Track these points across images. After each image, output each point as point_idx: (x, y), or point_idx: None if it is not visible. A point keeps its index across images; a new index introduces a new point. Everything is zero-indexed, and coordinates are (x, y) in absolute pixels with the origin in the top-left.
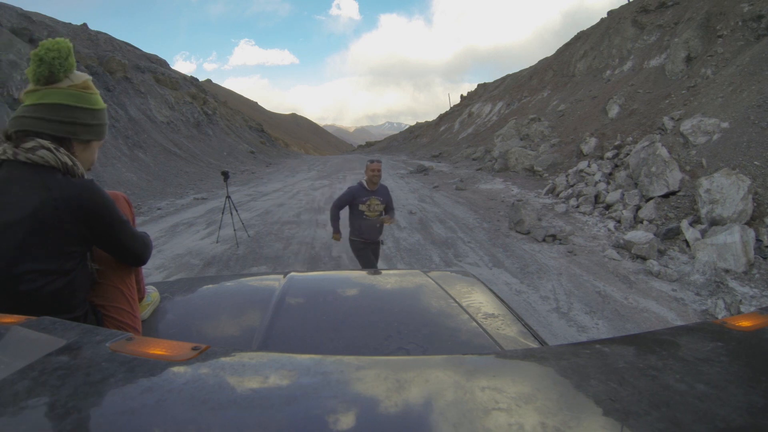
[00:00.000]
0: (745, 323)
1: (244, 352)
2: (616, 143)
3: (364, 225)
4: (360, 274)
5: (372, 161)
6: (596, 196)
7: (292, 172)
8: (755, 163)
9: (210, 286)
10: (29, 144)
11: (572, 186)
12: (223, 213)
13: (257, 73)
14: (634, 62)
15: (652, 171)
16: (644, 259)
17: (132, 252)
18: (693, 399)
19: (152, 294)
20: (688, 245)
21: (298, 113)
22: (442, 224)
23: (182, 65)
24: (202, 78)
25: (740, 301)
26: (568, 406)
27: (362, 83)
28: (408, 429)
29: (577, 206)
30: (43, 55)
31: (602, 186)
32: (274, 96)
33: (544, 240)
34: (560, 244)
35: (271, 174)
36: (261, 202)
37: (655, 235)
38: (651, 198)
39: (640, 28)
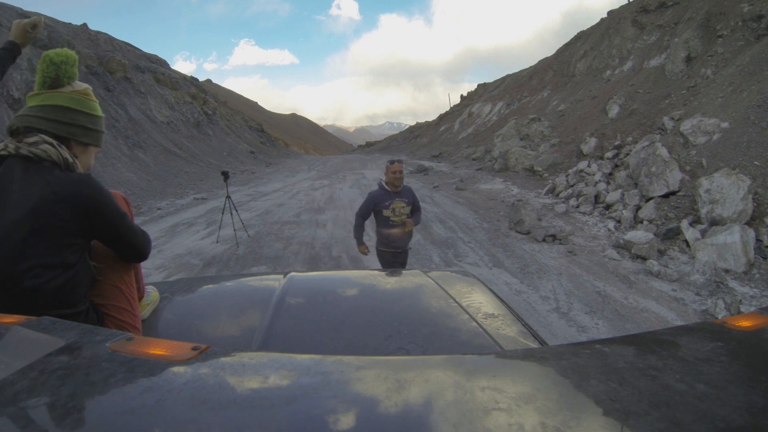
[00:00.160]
0: (745, 323)
1: (244, 352)
2: (616, 143)
3: (392, 233)
4: (360, 274)
5: (392, 162)
6: (596, 196)
7: (292, 172)
8: (755, 163)
9: (210, 286)
10: (32, 139)
11: (572, 186)
12: (223, 213)
13: (257, 73)
14: (634, 62)
15: (652, 171)
16: (644, 259)
17: (132, 246)
18: (693, 399)
19: (152, 294)
20: (688, 245)
21: (298, 113)
22: (442, 224)
23: (182, 65)
24: (202, 78)
25: (740, 301)
26: (568, 406)
27: (362, 83)
28: (408, 429)
29: (577, 206)
30: (53, 57)
31: (602, 186)
32: (274, 96)
33: (544, 240)
34: (560, 244)
35: (271, 174)
36: (261, 202)
37: (655, 235)
38: (651, 198)
39: (640, 28)
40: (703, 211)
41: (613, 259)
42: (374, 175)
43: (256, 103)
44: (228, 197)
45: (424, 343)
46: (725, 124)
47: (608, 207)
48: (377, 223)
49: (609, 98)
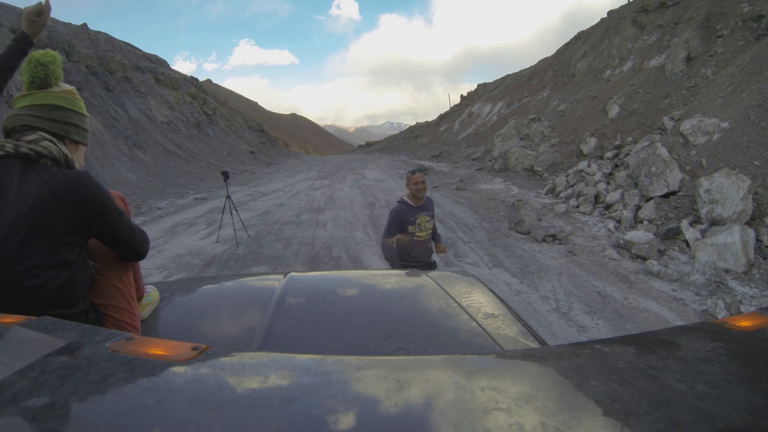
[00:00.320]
0: (745, 323)
1: (244, 352)
2: (616, 143)
3: (416, 248)
4: (360, 274)
5: (413, 172)
6: (596, 196)
7: (292, 172)
8: (755, 163)
9: (210, 286)
10: (31, 137)
11: (572, 186)
12: (223, 213)
13: (257, 73)
14: (634, 62)
15: (652, 171)
16: (644, 259)
17: (130, 244)
18: (693, 399)
19: (152, 294)
20: (688, 245)
21: (298, 113)
22: (442, 224)
23: (182, 65)
24: (202, 78)
25: (740, 301)
26: (568, 406)
27: (362, 83)
28: (408, 429)
29: (577, 206)
30: (40, 58)
31: (602, 186)
32: (274, 96)
33: (544, 240)
34: (560, 244)
35: (271, 174)
36: (261, 202)
37: (655, 235)
38: (651, 198)
39: (640, 28)
40: (703, 211)
41: (613, 259)
42: (374, 175)
43: (256, 103)
44: (228, 197)
45: (424, 343)
46: (725, 124)
47: (608, 207)
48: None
49: (609, 98)
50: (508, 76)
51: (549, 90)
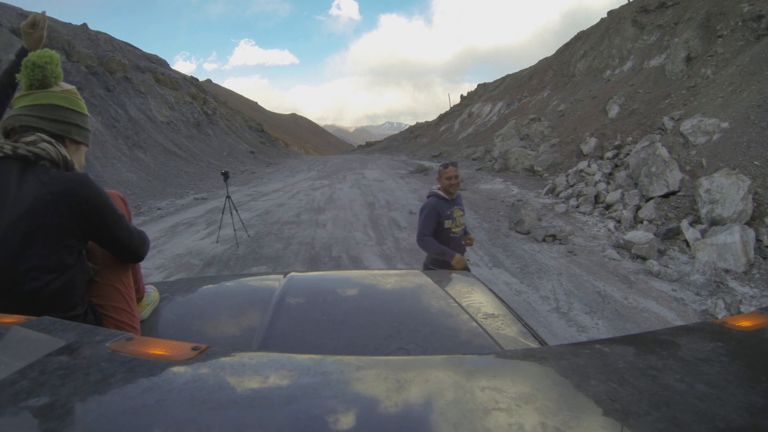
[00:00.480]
0: (745, 323)
1: (244, 352)
2: (616, 143)
3: (451, 245)
4: (360, 274)
5: (446, 165)
6: (596, 196)
7: (292, 172)
8: (755, 163)
9: (210, 286)
10: (30, 138)
11: (572, 186)
12: (223, 213)
13: (257, 73)
14: (634, 62)
15: (652, 171)
16: (644, 259)
17: (129, 246)
18: (693, 399)
19: (152, 294)
20: (688, 245)
21: (298, 113)
22: None
23: (182, 65)
24: (202, 78)
25: (740, 301)
26: (568, 406)
27: (362, 83)
28: (408, 429)
29: (577, 206)
30: (36, 60)
31: (602, 186)
32: (274, 96)
33: (544, 240)
34: (560, 244)
35: (271, 174)
36: (261, 202)
37: (655, 235)
38: (651, 198)
39: (640, 28)
40: (703, 211)
41: (613, 259)
42: (374, 175)
43: (256, 103)
44: (228, 197)
45: (424, 343)
46: (725, 124)
47: (608, 207)
48: (436, 237)
49: (609, 98)
50: (508, 76)
51: (549, 90)
